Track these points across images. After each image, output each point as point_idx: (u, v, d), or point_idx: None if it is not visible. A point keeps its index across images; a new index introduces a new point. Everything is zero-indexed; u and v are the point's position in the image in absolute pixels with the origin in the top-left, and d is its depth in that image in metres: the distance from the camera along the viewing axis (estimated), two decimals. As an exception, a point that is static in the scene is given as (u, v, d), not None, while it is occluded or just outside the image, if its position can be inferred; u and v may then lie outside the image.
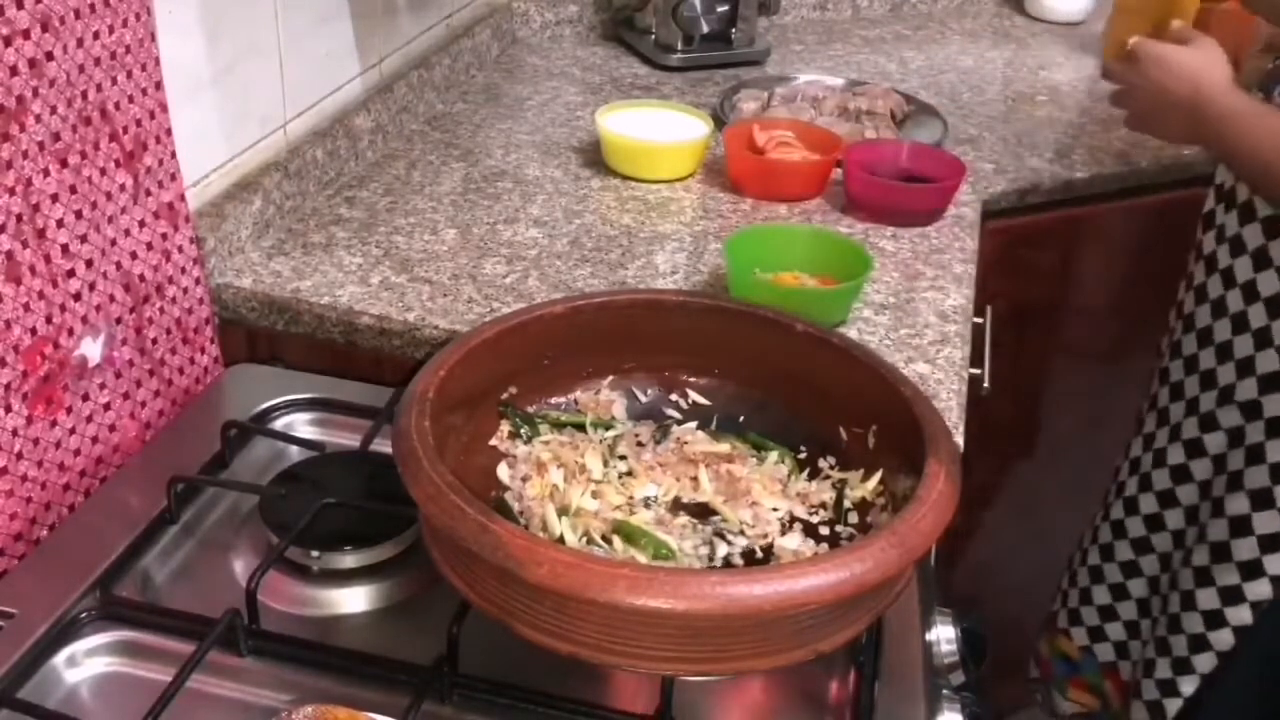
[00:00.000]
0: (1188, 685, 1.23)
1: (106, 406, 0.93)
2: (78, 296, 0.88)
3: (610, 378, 0.93)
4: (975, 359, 1.12)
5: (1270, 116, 1.05)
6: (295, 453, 0.96)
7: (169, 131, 0.97)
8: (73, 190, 0.86)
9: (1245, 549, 1.15)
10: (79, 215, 0.87)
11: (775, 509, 0.82)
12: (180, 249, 1.00)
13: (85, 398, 0.91)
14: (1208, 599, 1.19)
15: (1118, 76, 1.18)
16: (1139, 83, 1.14)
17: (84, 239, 0.88)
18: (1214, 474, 1.20)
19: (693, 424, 0.91)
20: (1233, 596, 1.17)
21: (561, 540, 0.76)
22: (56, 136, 0.84)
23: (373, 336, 1.08)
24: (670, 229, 1.28)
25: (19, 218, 0.82)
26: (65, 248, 0.86)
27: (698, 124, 1.42)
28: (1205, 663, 1.21)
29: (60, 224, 0.86)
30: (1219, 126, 1.07)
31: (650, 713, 0.72)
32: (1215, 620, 1.19)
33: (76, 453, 0.91)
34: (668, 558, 0.75)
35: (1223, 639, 1.19)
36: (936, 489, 0.70)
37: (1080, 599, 1.41)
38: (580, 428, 0.88)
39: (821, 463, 0.86)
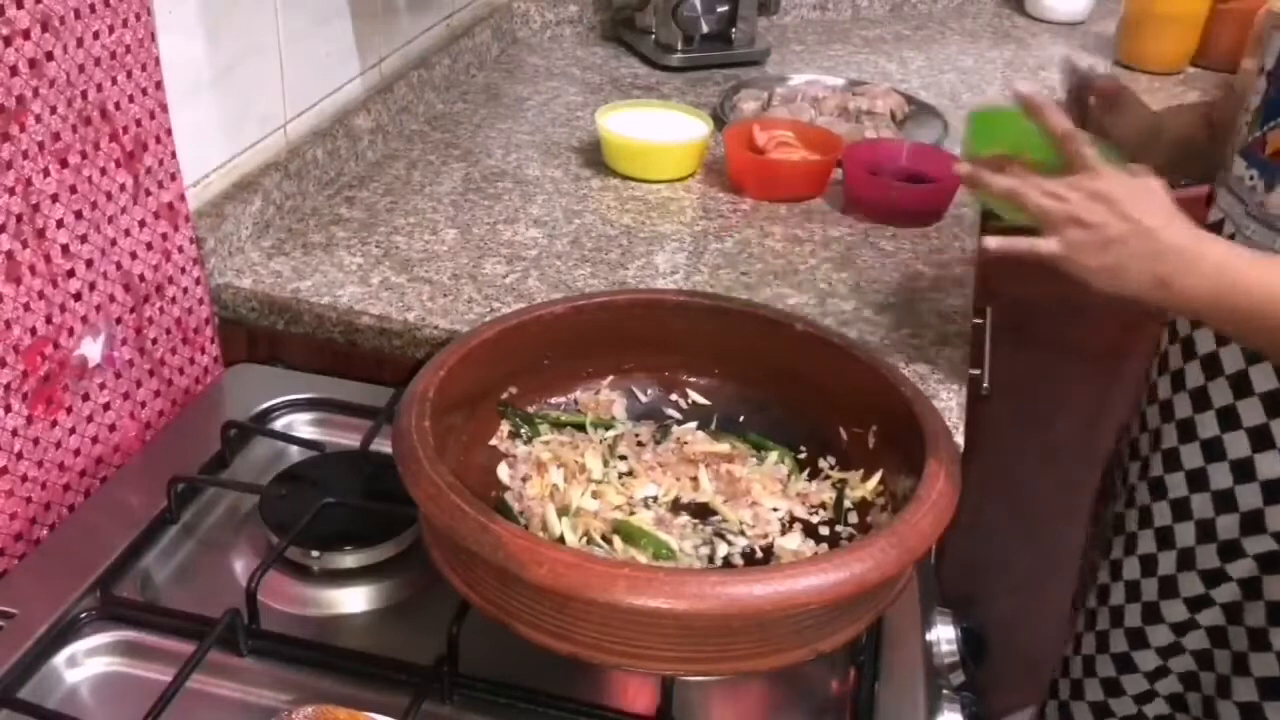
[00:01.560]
0: None
1: (106, 406, 0.93)
2: (78, 296, 0.88)
3: (610, 378, 0.93)
4: (975, 359, 1.12)
5: None
6: (295, 453, 0.95)
7: (169, 131, 0.97)
8: (73, 190, 0.86)
9: None
10: (79, 215, 0.87)
11: (775, 509, 0.82)
12: (180, 249, 1.00)
13: (85, 398, 0.91)
14: None
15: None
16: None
17: (84, 239, 0.88)
18: (1245, 599, 1.06)
19: (693, 424, 0.91)
20: None
21: (561, 540, 0.76)
22: (56, 136, 0.84)
23: (373, 336, 1.08)
24: (670, 229, 1.28)
25: (19, 218, 0.82)
26: (65, 248, 0.86)
27: (698, 124, 1.42)
28: None
29: (60, 224, 0.86)
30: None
31: (650, 713, 0.72)
32: None
33: (76, 453, 0.91)
34: (668, 558, 0.75)
35: None
36: (936, 489, 0.70)
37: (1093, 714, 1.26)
38: (580, 428, 0.88)
39: (821, 463, 0.86)
